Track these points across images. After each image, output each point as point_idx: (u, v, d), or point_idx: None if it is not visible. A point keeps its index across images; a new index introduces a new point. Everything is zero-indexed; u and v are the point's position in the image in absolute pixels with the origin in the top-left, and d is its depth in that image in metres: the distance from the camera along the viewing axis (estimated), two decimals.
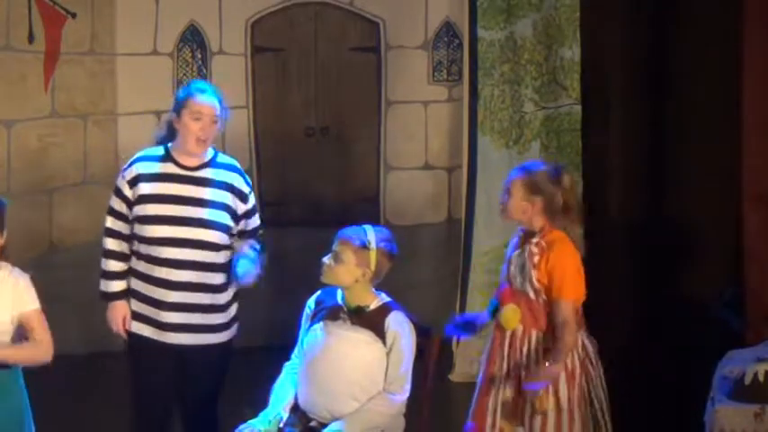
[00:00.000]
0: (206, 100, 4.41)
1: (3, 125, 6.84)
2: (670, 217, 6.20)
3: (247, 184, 4.58)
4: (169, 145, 4.48)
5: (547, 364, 4.23)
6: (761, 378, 4.25)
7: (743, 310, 5.29)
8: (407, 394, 4.13)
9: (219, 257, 4.46)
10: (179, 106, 4.41)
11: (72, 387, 6.05)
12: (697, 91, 5.95)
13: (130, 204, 4.40)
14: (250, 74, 7.75)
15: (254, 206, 4.59)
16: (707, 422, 4.35)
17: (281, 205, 7.84)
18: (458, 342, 6.89)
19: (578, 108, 6.75)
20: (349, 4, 7.74)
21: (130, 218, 4.42)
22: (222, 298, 4.52)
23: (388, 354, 4.10)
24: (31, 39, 6.95)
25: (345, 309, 4.19)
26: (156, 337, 4.43)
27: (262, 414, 4.15)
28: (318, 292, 4.30)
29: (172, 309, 4.41)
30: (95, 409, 4.72)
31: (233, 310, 4.59)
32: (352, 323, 4.15)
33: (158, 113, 7.60)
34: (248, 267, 4.39)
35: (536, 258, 4.32)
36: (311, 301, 4.32)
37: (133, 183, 4.39)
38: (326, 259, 4.17)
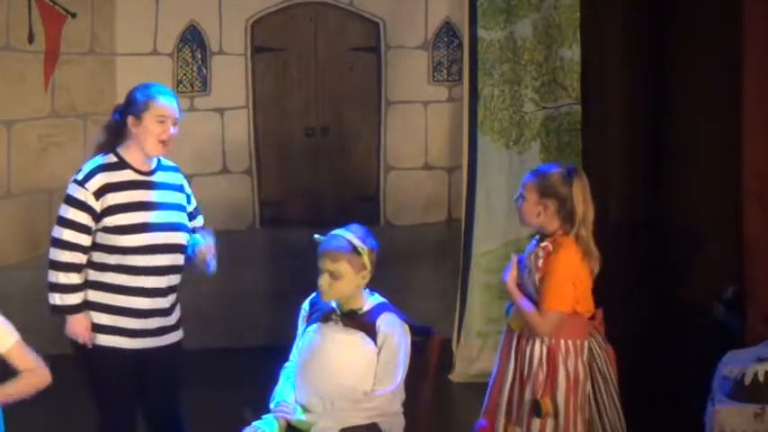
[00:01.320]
0: (168, 102, 4.35)
1: (3, 125, 6.85)
2: (670, 217, 6.19)
3: (188, 184, 4.60)
4: (119, 150, 4.38)
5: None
6: (761, 378, 4.24)
7: (743, 310, 5.28)
8: (391, 388, 4.11)
9: (183, 259, 4.48)
10: (138, 109, 4.31)
11: (71, 387, 6.04)
12: (697, 91, 5.94)
13: (96, 216, 4.29)
14: (250, 74, 7.75)
15: (196, 206, 4.60)
16: (707, 422, 4.35)
17: (281, 205, 7.84)
18: (458, 342, 6.90)
19: (578, 108, 6.74)
20: (349, 4, 7.74)
21: (93, 229, 4.32)
22: (174, 297, 4.52)
23: (378, 353, 4.10)
24: (31, 39, 6.95)
25: (338, 311, 4.19)
26: (126, 346, 4.39)
27: (265, 417, 4.15)
28: (314, 294, 4.29)
29: (148, 315, 4.39)
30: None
31: (179, 307, 4.57)
32: (344, 325, 4.15)
33: None
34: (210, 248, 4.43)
35: (540, 261, 4.33)
36: (306, 303, 4.33)
37: (99, 194, 4.28)
38: (322, 281, 4.11)
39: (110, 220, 4.29)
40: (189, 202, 4.56)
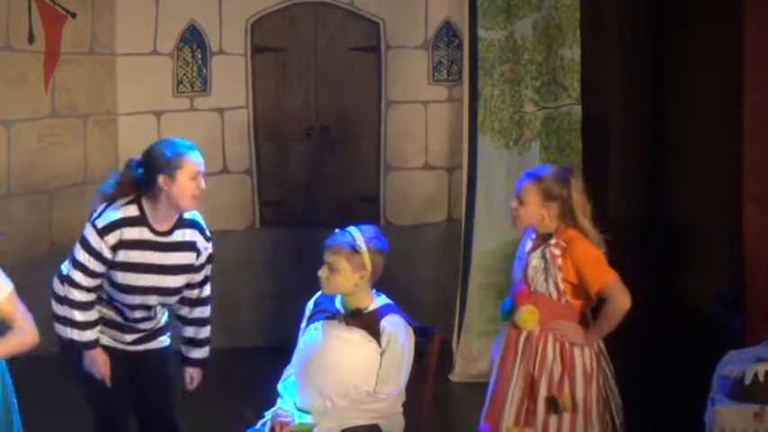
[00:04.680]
0: (198, 158, 4.33)
1: (3, 125, 6.85)
2: (670, 217, 6.19)
3: (206, 238, 4.48)
4: (143, 203, 4.32)
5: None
6: (761, 378, 4.24)
7: (743, 310, 5.28)
8: (396, 391, 4.12)
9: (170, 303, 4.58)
10: (171, 167, 4.24)
11: (71, 386, 6.05)
12: (697, 91, 5.94)
13: (108, 264, 4.30)
14: (250, 74, 7.75)
15: (208, 257, 4.52)
16: (707, 422, 4.35)
17: (281, 205, 7.84)
18: (458, 342, 6.90)
19: (578, 108, 6.74)
20: (349, 4, 7.74)
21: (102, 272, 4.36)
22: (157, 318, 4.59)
23: (382, 354, 4.11)
24: (31, 39, 6.95)
25: (343, 312, 4.19)
26: (109, 344, 4.46)
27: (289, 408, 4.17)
28: (318, 294, 4.30)
29: (124, 330, 4.47)
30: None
31: (165, 317, 4.64)
32: (348, 324, 4.15)
33: (158, 113, 7.62)
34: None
35: (559, 260, 4.35)
36: (311, 303, 4.33)
37: (115, 248, 4.28)
38: (322, 272, 4.16)
39: (113, 275, 4.32)
40: (200, 255, 4.46)
